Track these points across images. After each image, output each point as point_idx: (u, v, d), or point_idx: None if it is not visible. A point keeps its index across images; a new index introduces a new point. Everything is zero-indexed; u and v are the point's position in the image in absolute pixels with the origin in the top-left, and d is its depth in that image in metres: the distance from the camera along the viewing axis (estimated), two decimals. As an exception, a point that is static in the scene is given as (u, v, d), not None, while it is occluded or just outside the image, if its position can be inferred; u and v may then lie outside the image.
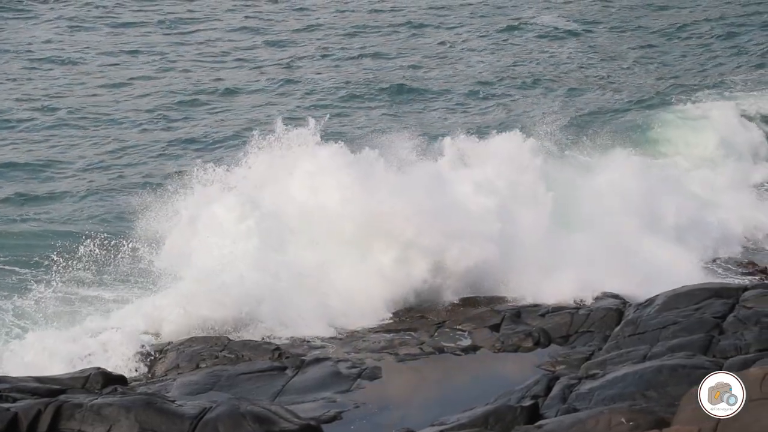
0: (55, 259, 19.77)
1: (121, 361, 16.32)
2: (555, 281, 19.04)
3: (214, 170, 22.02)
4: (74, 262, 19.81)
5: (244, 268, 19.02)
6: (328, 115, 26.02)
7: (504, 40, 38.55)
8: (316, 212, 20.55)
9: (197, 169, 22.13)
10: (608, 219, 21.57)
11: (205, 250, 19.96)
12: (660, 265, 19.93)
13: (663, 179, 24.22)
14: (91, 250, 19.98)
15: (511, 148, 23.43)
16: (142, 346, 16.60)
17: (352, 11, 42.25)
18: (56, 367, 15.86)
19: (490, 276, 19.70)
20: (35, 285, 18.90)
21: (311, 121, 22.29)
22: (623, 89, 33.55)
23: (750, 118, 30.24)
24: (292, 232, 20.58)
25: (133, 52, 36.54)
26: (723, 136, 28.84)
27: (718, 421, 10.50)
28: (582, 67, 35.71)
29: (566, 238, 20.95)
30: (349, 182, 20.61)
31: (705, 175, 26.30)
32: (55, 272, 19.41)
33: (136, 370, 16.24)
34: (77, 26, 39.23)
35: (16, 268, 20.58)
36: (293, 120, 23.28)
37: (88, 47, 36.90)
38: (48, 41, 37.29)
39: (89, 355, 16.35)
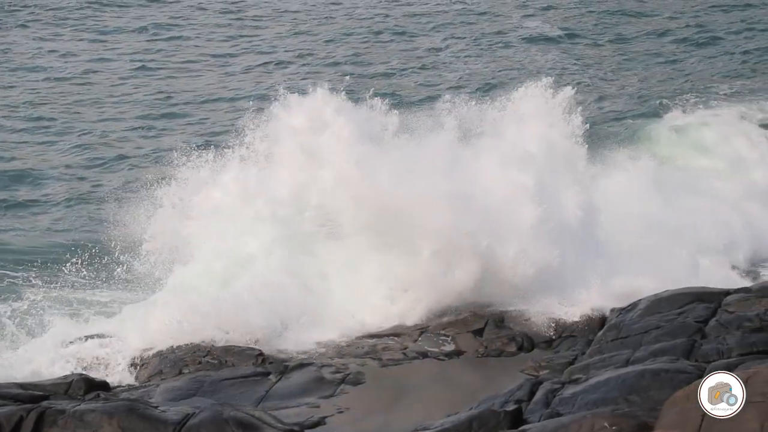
0: (41, 265, 19.70)
1: (108, 368, 16.16)
2: (590, 292, 16.90)
3: (199, 155, 19.38)
4: (61, 268, 19.74)
5: (261, 275, 17.12)
6: (348, 77, 24.42)
7: (487, 47, 38.62)
8: (323, 193, 17.77)
9: (178, 154, 19.63)
10: (633, 223, 19.41)
11: (203, 244, 18.03)
12: (694, 273, 18.42)
13: (681, 184, 23.10)
14: (77, 255, 19.85)
15: (537, 106, 19.40)
16: (129, 352, 16.42)
17: (334, 18, 42.28)
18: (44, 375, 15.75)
19: (545, 287, 16.79)
20: (25, 290, 18.84)
21: (322, 89, 18.85)
22: (611, 97, 33.56)
23: (750, 125, 30.07)
24: (308, 221, 17.88)
25: (115, 60, 36.51)
26: (727, 143, 28.70)
27: (700, 425, 10.54)
28: (565, 75, 35.78)
29: (595, 241, 18.23)
30: (357, 160, 17.42)
31: (716, 182, 25.75)
32: (44, 277, 19.33)
33: (125, 374, 16.11)
34: (58, 32, 39.16)
35: (7, 272, 20.53)
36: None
37: (69, 54, 36.84)
38: (29, 47, 37.22)
39: (83, 367, 16.09)
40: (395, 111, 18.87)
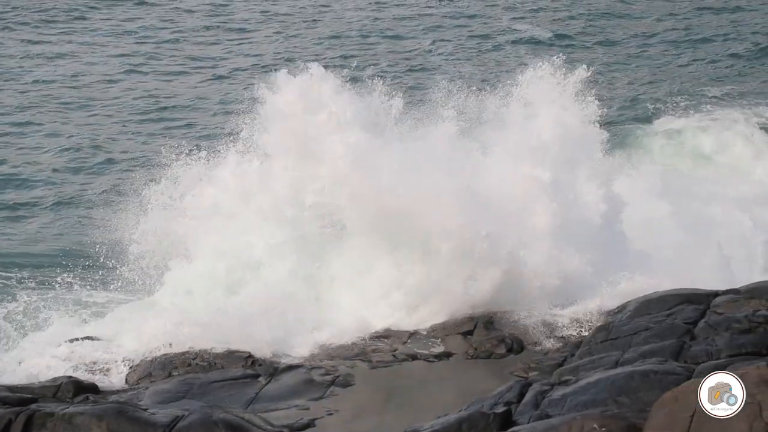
0: (34, 267, 19.64)
1: (103, 371, 15.99)
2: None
3: (190, 153, 18.26)
4: (54, 270, 19.67)
5: (267, 284, 16.26)
6: (356, 63, 23.23)
7: (477, 50, 38.62)
8: (320, 192, 16.37)
9: (172, 153, 18.53)
10: (648, 226, 18.27)
11: (202, 242, 17.11)
12: (728, 273, 17.63)
13: (685, 188, 22.52)
14: (70, 257, 19.76)
15: (548, 89, 17.60)
16: (124, 356, 16.26)
17: (324, 20, 42.27)
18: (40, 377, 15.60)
19: (566, 293, 15.69)
20: (19, 292, 18.78)
21: (317, 66, 17.12)
22: (602, 100, 33.26)
23: (746, 127, 29.84)
24: (308, 221, 16.51)
25: (103, 63, 36.45)
26: (725, 146, 28.57)
27: (689, 427, 10.56)
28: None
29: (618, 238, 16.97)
30: (357, 154, 15.83)
31: (719, 187, 25.30)
32: (38, 279, 19.27)
33: (120, 377, 15.98)
34: (45, 35, 39.09)
35: (0, 273, 20.47)
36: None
37: (57, 57, 36.78)
38: (16, 51, 37.13)
39: (79, 370, 15.95)
40: (398, 93, 17.50)
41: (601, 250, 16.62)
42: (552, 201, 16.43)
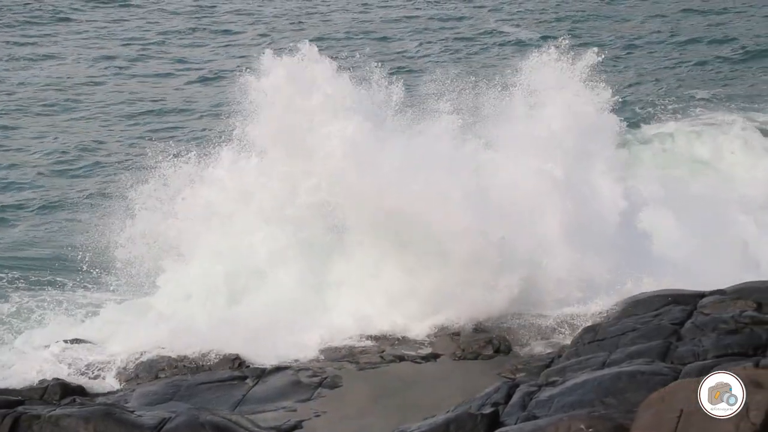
0: (25, 269, 19.60)
1: (95, 374, 15.86)
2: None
3: (176, 155, 17.33)
4: (46, 272, 19.62)
5: (270, 294, 15.60)
6: (357, 55, 22.60)
7: (464, 52, 38.64)
8: (316, 191, 15.23)
9: (153, 152, 17.72)
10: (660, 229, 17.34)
11: (198, 244, 16.33)
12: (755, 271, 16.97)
13: (684, 192, 22.06)
14: (62, 259, 19.70)
15: (555, 75, 16.44)
16: (115, 361, 16.00)
17: (309, 21, 42.26)
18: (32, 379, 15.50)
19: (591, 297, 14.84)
20: (10, 294, 18.73)
21: (309, 46, 15.49)
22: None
23: (741, 131, 29.65)
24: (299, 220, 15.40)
25: (88, 65, 36.38)
26: (719, 149, 28.54)
27: (675, 427, 10.57)
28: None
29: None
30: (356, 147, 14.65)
31: (718, 191, 24.92)
32: (30, 280, 19.23)
33: (111, 380, 15.90)
34: (30, 37, 39.00)
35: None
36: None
37: (41, 59, 36.69)
38: (0, 52, 37.08)
39: (69, 372, 15.78)
40: (399, 80, 16.56)
41: (621, 251, 15.87)
42: (566, 199, 15.60)
